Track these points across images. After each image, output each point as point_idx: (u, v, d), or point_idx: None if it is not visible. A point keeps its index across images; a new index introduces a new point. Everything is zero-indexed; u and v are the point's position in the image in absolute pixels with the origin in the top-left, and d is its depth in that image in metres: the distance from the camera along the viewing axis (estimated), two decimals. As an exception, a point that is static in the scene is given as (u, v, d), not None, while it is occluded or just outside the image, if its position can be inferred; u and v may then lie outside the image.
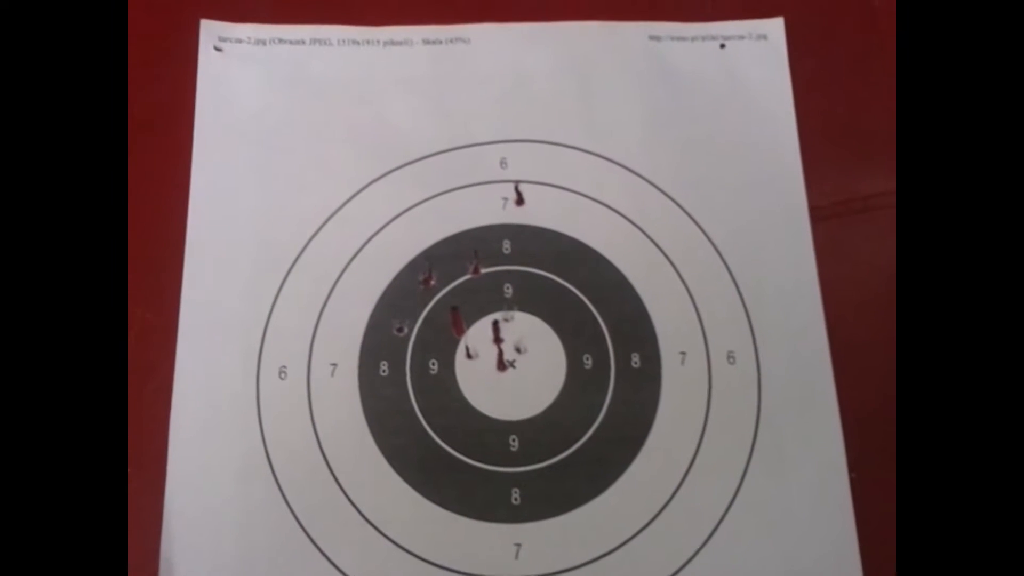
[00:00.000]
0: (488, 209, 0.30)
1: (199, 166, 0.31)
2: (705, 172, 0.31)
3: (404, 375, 0.28)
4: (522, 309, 0.29)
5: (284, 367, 0.28)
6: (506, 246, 0.30)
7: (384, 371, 0.28)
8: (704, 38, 0.33)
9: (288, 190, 0.30)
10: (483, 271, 0.30)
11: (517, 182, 0.31)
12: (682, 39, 0.33)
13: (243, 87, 0.32)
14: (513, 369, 0.28)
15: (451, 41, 0.33)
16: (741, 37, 0.33)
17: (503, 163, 0.31)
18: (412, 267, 0.30)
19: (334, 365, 0.28)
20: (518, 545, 0.27)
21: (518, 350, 0.29)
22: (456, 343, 0.29)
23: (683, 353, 0.29)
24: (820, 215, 0.31)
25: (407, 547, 0.27)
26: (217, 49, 0.32)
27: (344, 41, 0.32)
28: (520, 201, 0.31)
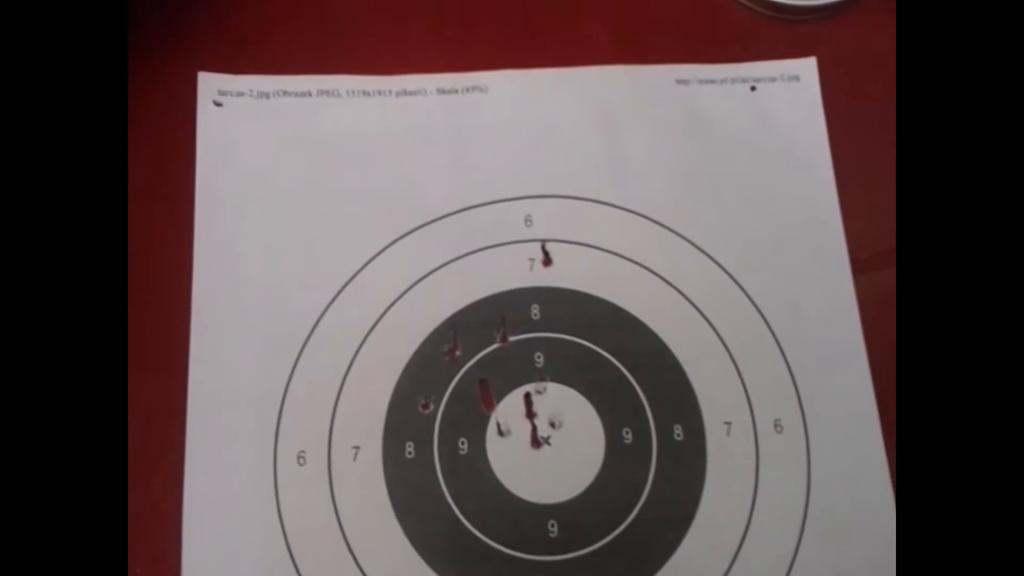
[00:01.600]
0: (514, 271, 0.29)
1: (202, 231, 0.29)
2: (740, 225, 0.29)
3: (432, 456, 0.26)
4: (555, 380, 0.27)
5: (303, 452, 0.26)
6: (535, 311, 0.28)
7: (410, 452, 0.26)
8: (734, 80, 0.31)
9: (299, 255, 0.28)
10: (511, 339, 0.28)
11: (544, 241, 0.29)
12: (711, 82, 0.31)
13: (246, 144, 0.30)
14: (548, 446, 0.27)
15: (467, 90, 0.31)
16: (772, 79, 0.31)
17: (528, 220, 0.29)
18: (436, 336, 0.28)
19: (356, 448, 0.26)
20: (561, 640, 0.25)
21: (552, 425, 0.27)
22: (486, 419, 0.27)
23: (728, 423, 0.27)
24: (862, 268, 0.29)
25: (441, 644, 0.25)
26: (217, 104, 0.30)
27: (353, 92, 0.30)
28: (548, 261, 0.29)
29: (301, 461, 0.26)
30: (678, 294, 0.28)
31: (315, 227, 0.29)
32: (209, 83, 0.30)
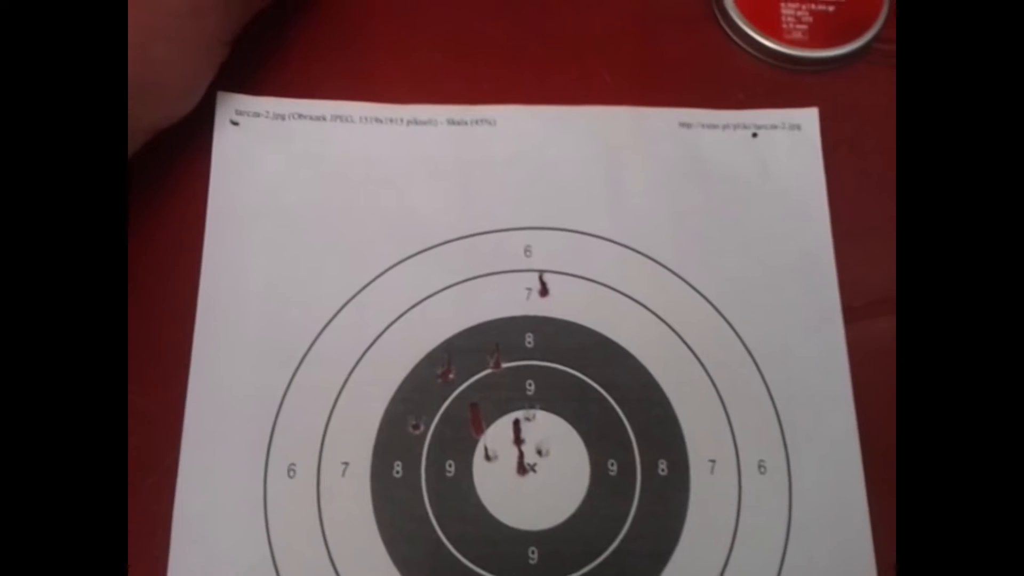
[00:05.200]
0: (511, 299, 0.29)
1: (211, 245, 0.29)
2: (735, 267, 0.30)
3: (419, 477, 0.27)
4: (545, 408, 0.28)
5: (293, 465, 0.27)
6: (529, 339, 0.29)
7: (398, 472, 0.27)
8: (736, 126, 0.32)
9: (303, 273, 0.29)
10: (504, 366, 0.28)
11: (541, 272, 0.30)
12: (713, 127, 0.32)
13: (260, 163, 0.31)
14: (534, 473, 0.27)
15: (476, 122, 0.32)
16: (774, 126, 0.32)
17: (527, 251, 0.30)
18: (430, 359, 0.28)
19: (345, 464, 0.27)
20: (535, 667, 0.25)
21: (539, 452, 0.27)
22: (474, 443, 0.27)
23: (712, 461, 0.27)
24: (854, 316, 0.30)
25: (417, 664, 0.25)
26: (234, 123, 0.31)
27: (366, 119, 0.31)
28: (544, 292, 0.29)
29: (291, 474, 0.27)
30: (670, 331, 0.29)
31: (320, 247, 0.30)
32: (228, 103, 0.31)
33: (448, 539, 0.26)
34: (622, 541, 0.26)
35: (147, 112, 0.27)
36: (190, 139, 0.30)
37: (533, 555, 0.26)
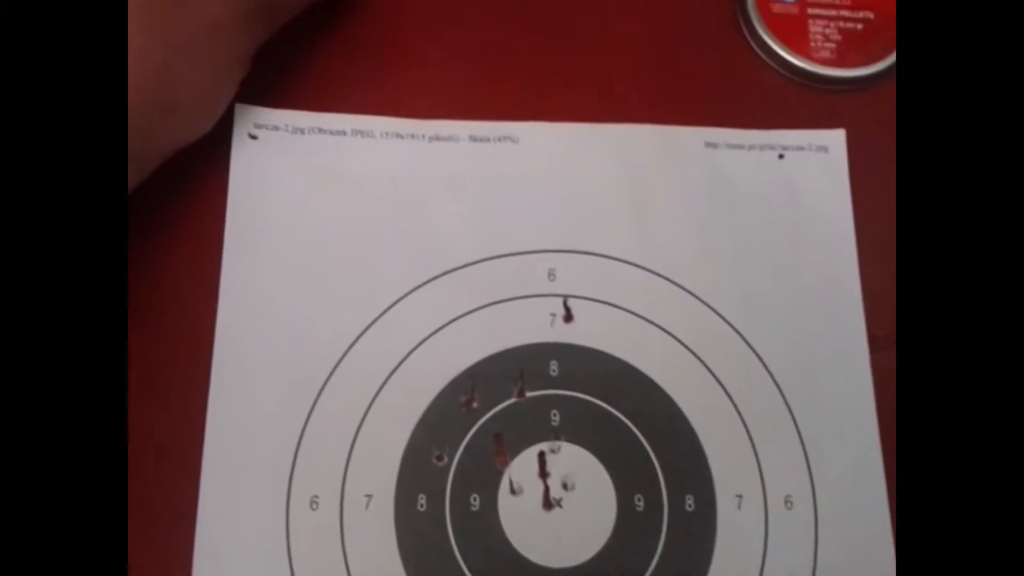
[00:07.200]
0: (535, 325, 0.29)
1: (230, 263, 0.29)
2: (761, 293, 0.30)
3: (443, 510, 0.26)
4: (570, 440, 0.28)
5: (316, 497, 0.26)
6: (553, 367, 0.28)
7: (422, 505, 0.26)
8: (762, 147, 0.31)
9: (323, 295, 0.28)
10: (529, 394, 0.28)
11: (566, 296, 0.29)
12: (739, 147, 0.31)
13: (278, 178, 0.30)
14: (560, 509, 0.27)
15: (499, 139, 0.31)
16: (800, 148, 0.32)
17: (551, 275, 0.29)
18: (454, 387, 0.28)
19: (369, 496, 0.26)
20: None
21: (565, 486, 0.27)
22: (499, 475, 0.27)
23: (739, 496, 0.27)
24: (878, 345, 0.29)
25: None
26: (252, 136, 0.30)
27: (387, 134, 0.31)
28: (569, 318, 0.29)
29: (314, 506, 0.26)
30: (695, 359, 0.29)
31: (341, 267, 0.29)
32: (246, 115, 0.30)
33: (474, 575, 0.26)
34: (649, 578, 0.26)
35: (167, 132, 0.26)
36: (208, 153, 0.29)
37: (560, 592, 0.26)
